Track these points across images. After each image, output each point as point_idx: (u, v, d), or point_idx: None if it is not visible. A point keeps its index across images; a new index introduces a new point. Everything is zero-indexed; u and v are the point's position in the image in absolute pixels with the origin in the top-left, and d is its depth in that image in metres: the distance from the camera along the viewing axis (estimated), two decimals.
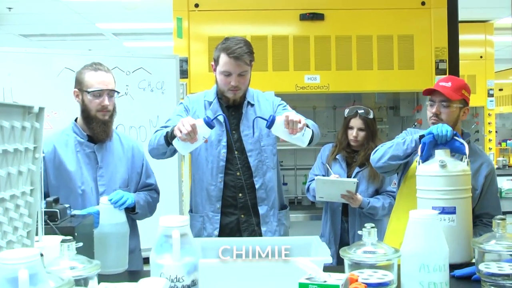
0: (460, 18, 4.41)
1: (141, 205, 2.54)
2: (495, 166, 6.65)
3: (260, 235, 2.71)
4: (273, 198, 2.78)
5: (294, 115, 2.40)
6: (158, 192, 2.74)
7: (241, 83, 2.68)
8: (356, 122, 3.33)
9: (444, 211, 2.13)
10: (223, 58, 2.64)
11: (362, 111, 3.34)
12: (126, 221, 2.29)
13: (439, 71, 4.09)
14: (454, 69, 4.21)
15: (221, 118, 2.67)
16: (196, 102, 2.82)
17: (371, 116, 3.34)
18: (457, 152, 2.31)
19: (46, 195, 2.41)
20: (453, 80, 2.59)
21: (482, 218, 2.48)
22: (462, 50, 4.59)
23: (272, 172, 2.79)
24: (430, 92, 2.58)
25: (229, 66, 2.64)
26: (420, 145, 2.32)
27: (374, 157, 2.59)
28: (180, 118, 2.51)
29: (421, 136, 2.37)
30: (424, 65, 4.10)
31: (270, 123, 2.42)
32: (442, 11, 4.11)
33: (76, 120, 2.61)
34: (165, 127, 2.66)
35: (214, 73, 2.75)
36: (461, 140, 2.30)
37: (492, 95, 6.36)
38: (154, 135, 2.67)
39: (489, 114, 6.47)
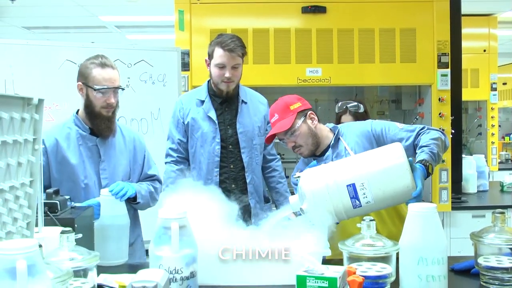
0: (463, 11, 4.40)
1: (142, 195, 2.54)
2: (498, 161, 6.68)
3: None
4: (260, 192, 3.00)
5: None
6: (160, 182, 2.76)
7: (234, 75, 2.87)
8: (346, 119, 3.33)
9: (355, 196, 1.94)
10: (218, 51, 2.84)
11: (352, 106, 3.33)
12: (126, 213, 2.30)
13: (441, 65, 4.07)
14: (456, 62, 4.20)
15: (213, 115, 2.89)
16: (188, 103, 2.98)
17: (361, 110, 3.33)
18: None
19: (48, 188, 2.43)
20: (276, 109, 2.42)
21: (416, 138, 2.33)
22: (465, 44, 4.58)
23: (259, 168, 3.01)
24: (272, 138, 2.45)
25: (223, 59, 2.83)
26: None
27: None
28: (176, 136, 2.91)
29: None
30: (426, 59, 4.09)
31: None
32: (444, 4, 4.09)
33: (77, 112, 2.60)
34: (170, 149, 2.95)
35: (208, 68, 2.93)
36: (300, 174, 2.10)
37: (495, 89, 6.34)
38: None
39: (492, 108, 6.45)
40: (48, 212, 1.96)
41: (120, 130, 2.66)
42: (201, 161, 2.92)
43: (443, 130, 2.38)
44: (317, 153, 2.45)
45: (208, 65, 2.91)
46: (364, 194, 1.94)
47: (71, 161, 2.49)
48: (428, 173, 2.08)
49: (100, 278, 1.74)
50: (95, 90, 2.46)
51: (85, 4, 6.48)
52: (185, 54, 4.01)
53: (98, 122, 2.51)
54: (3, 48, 3.38)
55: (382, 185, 1.93)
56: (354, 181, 1.95)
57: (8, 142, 1.49)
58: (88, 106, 2.51)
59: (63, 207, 2.05)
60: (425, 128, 2.33)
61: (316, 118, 2.44)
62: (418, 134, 2.32)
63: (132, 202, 2.50)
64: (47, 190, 2.05)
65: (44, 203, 1.93)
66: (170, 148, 2.96)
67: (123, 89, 2.56)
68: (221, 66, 2.83)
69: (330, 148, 2.41)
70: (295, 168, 2.61)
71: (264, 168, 3.09)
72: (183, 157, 2.97)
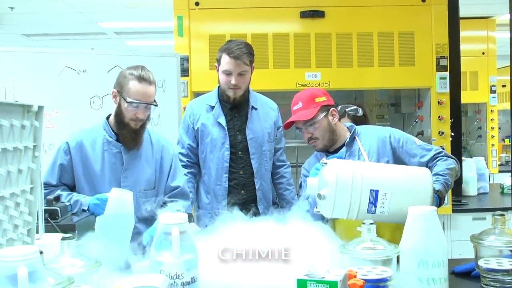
0: (461, 14, 4.41)
1: None
2: (498, 163, 6.68)
3: None
4: (268, 199, 3.02)
5: None
6: (185, 195, 2.67)
7: (241, 82, 2.87)
8: (345, 122, 3.32)
9: (374, 202, 1.97)
10: (224, 58, 2.84)
11: (351, 110, 3.34)
12: (132, 216, 2.26)
13: (439, 68, 4.08)
14: (455, 65, 4.21)
15: (222, 121, 2.89)
16: (198, 108, 2.99)
17: (360, 114, 3.34)
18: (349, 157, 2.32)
19: (73, 189, 2.48)
20: (301, 98, 2.45)
21: (432, 161, 2.38)
22: (464, 47, 4.58)
23: (268, 174, 3.02)
24: (291, 124, 2.48)
25: (229, 66, 2.83)
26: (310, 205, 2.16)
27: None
28: (186, 141, 2.93)
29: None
30: (425, 62, 4.10)
31: None
32: (442, 7, 4.10)
33: (108, 117, 2.60)
34: (180, 153, 2.91)
35: (218, 74, 2.94)
36: (328, 161, 2.10)
37: (494, 92, 6.34)
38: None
39: (491, 110, 6.46)
40: (48, 219, 1.96)
41: (150, 137, 2.63)
42: (210, 166, 2.93)
43: (456, 160, 2.40)
44: (331, 150, 2.47)
45: (218, 71, 2.93)
46: (383, 204, 1.96)
47: (93, 166, 2.50)
48: (440, 204, 2.17)
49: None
50: (127, 102, 2.45)
51: (84, 11, 6.50)
52: (184, 60, 4.02)
53: (125, 133, 2.51)
54: (2, 56, 3.39)
55: (403, 203, 1.91)
56: (379, 188, 1.97)
57: (8, 149, 1.49)
58: (118, 114, 2.51)
59: (64, 214, 2.06)
60: (442, 154, 2.38)
61: (337, 116, 2.48)
62: (434, 157, 2.36)
63: None
64: (48, 197, 2.05)
65: (45, 209, 1.94)
66: (180, 153, 2.95)
67: (156, 105, 2.53)
68: (228, 73, 2.85)
69: (344, 146, 2.44)
70: (306, 162, 2.60)
71: (272, 174, 3.09)
72: (192, 161, 2.98)
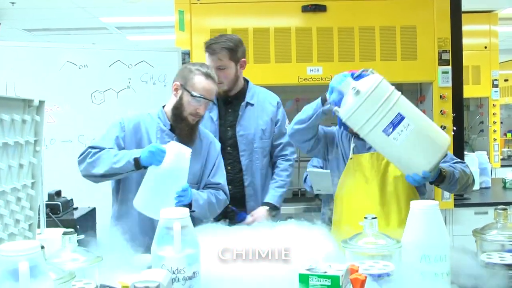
0: (464, 8, 4.38)
1: (199, 204, 2.44)
2: (500, 157, 6.67)
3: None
4: (258, 196, 2.96)
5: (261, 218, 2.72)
6: (226, 194, 2.66)
7: (222, 77, 2.84)
8: None
9: (395, 125, 2.00)
10: (205, 53, 2.89)
11: None
12: (187, 171, 2.26)
13: (442, 62, 4.07)
14: (457, 59, 4.19)
15: (214, 115, 2.89)
16: None
17: None
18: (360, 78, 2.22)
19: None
20: None
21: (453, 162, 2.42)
22: (466, 41, 4.56)
23: (260, 171, 2.97)
24: None
25: (207, 60, 2.85)
26: (330, 103, 2.22)
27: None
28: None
29: (324, 98, 2.34)
30: (427, 56, 4.08)
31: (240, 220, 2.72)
32: (445, 1, 4.08)
33: (164, 107, 2.59)
34: None
35: None
36: (359, 71, 2.16)
37: (496, 86, 6.32)
38: None
39: (493, 104, 6.44)
40: (50, 214, 1.96)
41: (199, 133, 2.62)
42: None
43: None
44: None
45: None
46: (401, 132, 1.99)
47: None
48: (438, 180, 2.21)
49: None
50: (192, 96, 2.44)
51: (85, 6, 6.49)
52: (186, 54, 4.00)
53: (183, 127, 2.49)
54: (4, 51, 3.38)
55: (416, 143, 2.00)
56: (406, 116, 2.00)
57: (10, 144, 1.49)
58: (178, 108, 2.49)
59: (65, 209, 2.06)
60: (465, 164, 2.42)
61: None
62: (456, 161, 2.41)
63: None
64: (49, 192, 2.05)
65: (46, 204, 1.94)
66: None
67: (214, 103, 2.59)
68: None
69: None
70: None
71: (272, 167, 3.07)
72: None
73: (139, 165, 2.25)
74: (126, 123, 2.50)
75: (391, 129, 1.99)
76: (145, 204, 2.14)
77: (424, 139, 2.03)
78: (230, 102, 2.96)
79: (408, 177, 2.10)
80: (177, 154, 2.20)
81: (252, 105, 2.97)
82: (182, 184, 2.24)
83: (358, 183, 2.44)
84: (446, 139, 2.08)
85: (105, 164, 2.28)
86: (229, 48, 2.87)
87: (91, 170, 2.28)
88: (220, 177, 2.64)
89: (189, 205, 2.36)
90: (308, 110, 2.41)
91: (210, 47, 2.85)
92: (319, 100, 2.37)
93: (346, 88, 2.08)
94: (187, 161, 2.24)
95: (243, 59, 2.95)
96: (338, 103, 2.14)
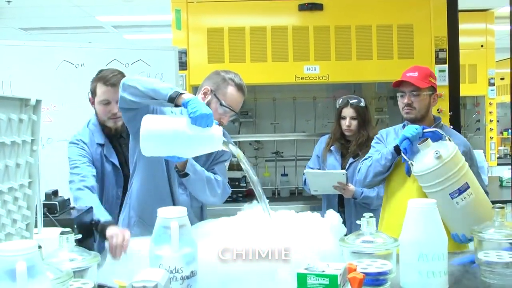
0: (460, 7, 4.39)
1: (196, 170, 2.32)
2: (496, 156, 6.68)
3: None
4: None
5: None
6: (223, 183, 2.49)
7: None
8: (348, 111, 3.36)
9: (461, 191, 2.22)
10: (101, 87, 2.70)
11: (354, 100, 3.37)
12: (205, 152, 2.09)
13: (438, 60, 4.08)
14: (453, 58, 4.20)
15: (115, 160, 2.72)
16: (90, 145, 2.74)
17: (362, 104, 3.37)
18: (434, 139, 2.38)
19: None
20: (419, 70, 2.66)
21: None
22: (462, 39, 4.57)
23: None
24: (399, 84, 2.67)
25: (107, 94, 2.68)
26: (402, 153, 2.41)
27: (358, 178, 2.72)
28: None
29: (396, 146, 2.48)
30: (424, 55, 4.09)
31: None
32: (441, 0, 4.09)
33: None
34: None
35: (93, 107, 2.77)
36: (431, 129, 2.42)
37: (493, 84, 6.34)
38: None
39: (490, 103, 6.45)
40: (47, 213, 1.96)
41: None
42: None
43: None
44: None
45: (93, 103, 2.76)
46: (464, 199, 2.23)
47: None
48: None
49: None
50: (221, 105, 2.35)
51: (82, 5, 6.47)
52: (183, 53, 4.00)
53: None
54: (0, 50, 3.37)
55: (473, 211, 2.23)
56: (471, 186, 2.25)
57: (6, 143, 1.48)
58: None
59: (62, 208, 2.05)
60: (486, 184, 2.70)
61: (436, 101, 2.73)
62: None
63: (181, 176, 2.30)
64: (46, 191, 2.04)
65: (43, 204, 1.93)
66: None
67: (237, 115, 2.57)
68: (106, 103, 2.69)
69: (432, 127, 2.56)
70: (383, 130, 2.89)
71: None
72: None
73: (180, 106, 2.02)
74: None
75: (457, 194, 2.22)
76: (153, 134, 1.94)
77: (479, 209, 2.23)
78: (121, 137, 2.78)
79: (455, 235, 2.29)
80: (218, 137, 2.02)
81: None
82: (193, 154, 2.11)
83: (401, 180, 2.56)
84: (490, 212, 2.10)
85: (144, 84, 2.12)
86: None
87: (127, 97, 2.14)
88: (218, 170, 2.50)
89: (184, 174, 2.27)
90: (382, 160, 2.57)
91: (110, 79, 2.68)
92: (392, 149, 2.52)
93: (425, 147, 2.31)
94: (213, 147, 2.07)
95: None
96: (405, 152, 2.39)
